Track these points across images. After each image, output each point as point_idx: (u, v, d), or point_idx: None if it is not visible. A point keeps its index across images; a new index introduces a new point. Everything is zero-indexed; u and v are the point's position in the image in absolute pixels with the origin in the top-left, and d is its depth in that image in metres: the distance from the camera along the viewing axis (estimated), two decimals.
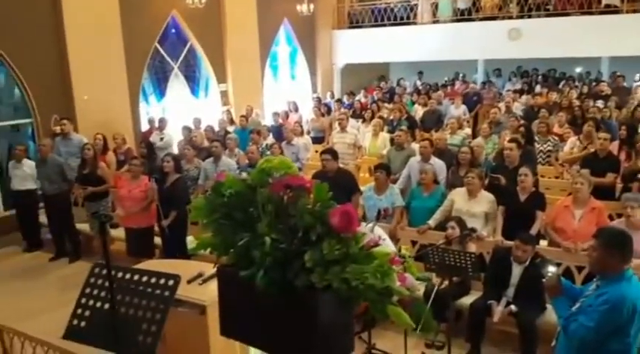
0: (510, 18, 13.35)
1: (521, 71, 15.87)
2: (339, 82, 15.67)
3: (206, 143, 8.80)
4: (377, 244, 1.45)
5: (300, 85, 14.99)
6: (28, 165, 7.32)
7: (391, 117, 10.28)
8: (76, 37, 8.72)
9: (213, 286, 3.63)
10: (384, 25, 14.79)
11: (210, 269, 3.84)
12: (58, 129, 8.34)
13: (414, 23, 14.47)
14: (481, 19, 13.75)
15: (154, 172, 6.92)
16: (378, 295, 1.40)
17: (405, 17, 14.64)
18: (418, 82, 15.77)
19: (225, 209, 1.56)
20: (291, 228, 1.45)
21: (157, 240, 6.49)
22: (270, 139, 9.14)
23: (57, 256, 7.31)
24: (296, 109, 12.08)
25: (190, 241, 6.37)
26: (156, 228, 6.46)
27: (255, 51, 12.65)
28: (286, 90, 14.32)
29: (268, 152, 7.96)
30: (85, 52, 8.81)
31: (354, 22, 15.41)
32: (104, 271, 2.20)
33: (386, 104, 12.06)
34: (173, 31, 11.20)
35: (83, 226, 7.31)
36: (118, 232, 6.88)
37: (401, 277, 1.42)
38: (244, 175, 1.62)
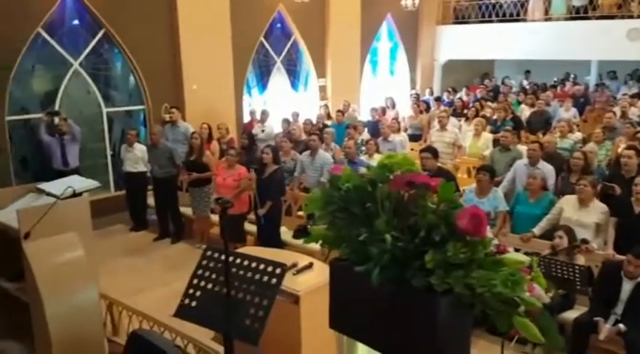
0: (631, 17, 12.33)
1: (638, 74, 14.66)
2: (439, 78, 15.31)
3: (304, 136, 8.92)
4: (506, 251, 1.36)
5: (399, 81, 14.80)
6: (139, 149, 7.79)
7: (495, 116, 9.87)
8: (188, 29, 9.15)
9: (306, 277, 3.68)
10: (492, 21, 14.24)
11: (303, 260, 3.89)
12: (167, 117, 8.81)
13: (524, 20, 13.81)
14: (597, 18, 12.82)
15: (254, 162, 7.12)
16: (503, 305, 1.32)
17: (514, 14, 14.01)
18: (525, 82, 15.06)
19: (341, 203, 1.54)
20: (410, 227, 1.40)
21: (252, 228, 6.69)
22: (366, 135, 9.10)
23: (160, 237, 7.70)
24: (393, 106, 11.95)
25: (284, 231, 6.52)
26: (252, 216, 6.66)
27: (356, 46, 12.66)
28: (384, 86, 14.19)
29: (363, 148, 7.93)
30: (196, 45, 9.22)
31: (460, 18, 14.97)
32: (216, 254, 2.28)
33: (489, 103, 11.60)
34: (278, 25, 11.45)
35: (186, 210, 7.66)
36: (216, 217, 7.18)
37: (530, 286, 1.33)
38: (363, 170, 1.59)
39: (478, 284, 1.28)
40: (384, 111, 11.24)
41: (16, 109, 7.77)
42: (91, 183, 3.36)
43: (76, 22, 8.29)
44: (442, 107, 10.93)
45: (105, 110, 8.75)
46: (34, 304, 3.01)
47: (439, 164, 6.24)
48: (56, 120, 7.55)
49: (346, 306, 1.59)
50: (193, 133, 7.58)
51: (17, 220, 2.90)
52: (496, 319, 1.34)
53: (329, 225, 1.60)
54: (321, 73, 12.15)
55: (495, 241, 1.38)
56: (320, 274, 3.56)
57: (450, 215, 1.33)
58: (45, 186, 3.33)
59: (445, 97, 12.99)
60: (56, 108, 7.99)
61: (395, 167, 1.48)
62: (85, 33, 8.38)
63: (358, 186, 1.52)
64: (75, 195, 3.10)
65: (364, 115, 11.80)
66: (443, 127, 8.34)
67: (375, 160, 6.94)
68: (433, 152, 5.89)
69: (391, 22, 13.96)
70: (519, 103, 11.72)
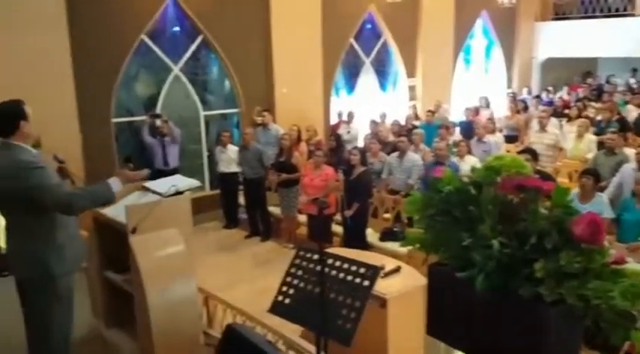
0: None
1: None
2: (537, 77, 14.61)
3: (391, 137, 8.82)
4: (624, 261, 1.26)
5: (494, 80, 14.28)
6: (232, 150, 8.04)
7: (599, 117, 9.23)
8: (280, 33, 9.35)
9: (394, 280, 3.61)
10: (595, 17, 13.36)
11: (390, 263, 3.82)
12: (259, 119, 9.07)
13: (632, 15, 12.83)
14: None
15: (341, 163, 7.14)
16: (619, 318, 1.21)
17: (620, 8, 13.06)
18: (632, 80, 13.98)
19: (442, 206, 1.49)
20: (517, 233, 1.33)
21: (338, 229, 6.70)
22: (457, 136, 8.84)
23: (251, 235, 7.90)
24: (487, 105, 11.53)
25: (370, 233, 6.48)
26: (338, 217, 6.66)
27: (448, 45, 12.37)
28: (478, 85, 13.75)
29: (455, 149, 7.70)
30: (287, 48, 9.41)
31: (560, 14, 14.18)
32: (308, 254, 2.31)
33: (593, 103, 10.88)
34: (369, 26, 11.42)
35: (274, 209, 7.82)
36: (303, 218, 7.27)
37: None
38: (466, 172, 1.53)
39: (594, 295, 1.19)
40: (477, 111, 10.87)
41: (121, 111, 8.32)
42: (193, 182, 3.51)
43: (176, 28, 8.74)
44: (541, 107, 10.40)
45: (202, 113, 9.15)
46: (137, 294, 3.19)
47: (538, 167, 5.93)
48: (158, 122, 7.99)
49: (445, 313, 1.54)
50: (283, 134, 7.72)
51: (125, 215, 3.09)
52: (610, 332, 1.24)
53: (427, 228, 1.56)
54: (410, 72, 11.97)
55: (612, 251, 1.27)
56: (408, 278, 3.47)
57: (564, 222, 1.25)
58: (150, 184, 3.52)
59: (544, 96, 12.35)
60: (157, 111, 8.47)
61: (503, 169, 1.41)
62: (185, 39, 8.81)
63: (460, 188, 1.47)
64: (177, 193, 3.26)
65: (455, 116, 11.48)
66: (543, 128, 7.91)
67: (467, 162, 6.73)
68: (532, 154, 5.60)
69: (486, 18, 13.51)
70: (626, 103, 10.90)
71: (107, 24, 7.65)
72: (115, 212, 3.37)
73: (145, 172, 3.23)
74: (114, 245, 3.56)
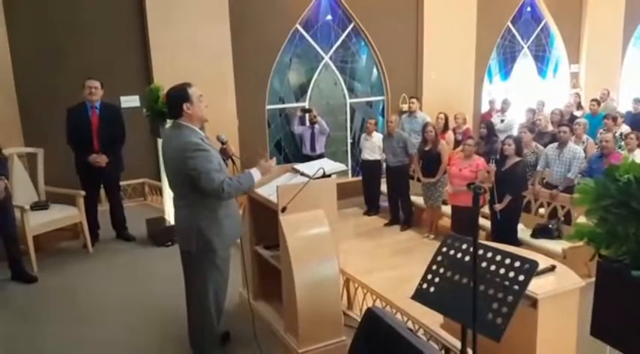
0: None
1: None
2: None
3: (550, 127, 8.20)
4: None
5: None
6: (377, 138, 8.07)
7: None
8: (432, 19, 9.18)
9: (547, 280, 3.35)
10: None
11: (543, 262, 3.55)
12: (405, 107, 8.97)
13: None
14: None
15: (492, 153, 6.79)
16: None
17: None
18: None
19: (619, 196, 1.33)
20: None
21: (484, 222, 6.38)
22: (625, 128, 7.97)
23: (390, 223, 7.87)
24: None
25: (521, 229, 6.09)
26: (486, 210, 6.35)
27: (617, 28, 11.24)
28: None
29: (622, 142, 6.95)
30: (439, 33, 9.21)
31: None
32: (457, 243, 2.22)
33: None
34: (528, 9, 10.82)
35: (416, 199, 7.70)
36: (446, 209, 7.06)
37: None
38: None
39: None
40: None
41: (274, 99, 8.75)
42: (339, 166, 3.57)
43: (328, 17, 8.95)
44: None
45: (348, 101, 9.30)
46: (285, 270, 3.34)
47: None
48: (307, 116, 8.37)
49: (614, 314, 1.38)
50: (426, 124, 7.52)
51: (276, 195, 3.23)
52: None
53: (599, 221, 1.40)
54: (574, 58, 11.05)
55: None
56: (563, 278, 3.21)
57: None
58: (300, 166, 3.65)
59: None
60: (307, 98, 8.79)
61: None
62: (336, 28, 9.01)
63: None
64: (324, 176, 3.33)
65: (623, 106, 10.36)
66: None
67: (637, 156, 6.04)
68: None
69: None
70: None
71: (265, 15, 8.08)
72: (267, 192, 3.54)
73: (274, 160, 3.35)
74: (265, 222, 3.74)
